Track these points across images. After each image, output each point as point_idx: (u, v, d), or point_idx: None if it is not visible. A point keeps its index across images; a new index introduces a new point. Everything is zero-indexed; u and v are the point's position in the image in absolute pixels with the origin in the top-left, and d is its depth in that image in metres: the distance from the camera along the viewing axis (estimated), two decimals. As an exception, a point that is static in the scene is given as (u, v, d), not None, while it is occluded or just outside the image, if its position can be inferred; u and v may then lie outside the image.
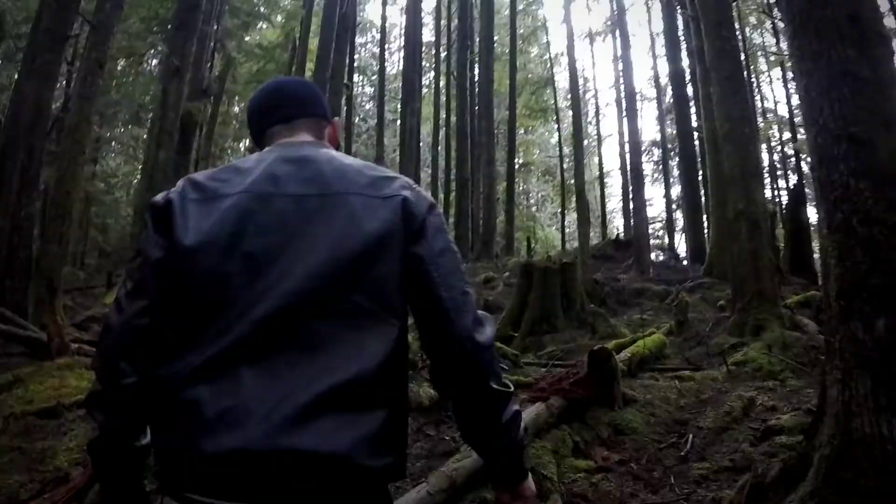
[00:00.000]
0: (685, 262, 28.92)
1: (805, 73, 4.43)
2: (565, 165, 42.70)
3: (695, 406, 7.76)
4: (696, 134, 29.25)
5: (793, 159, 34.49)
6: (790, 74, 33.14)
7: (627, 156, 33.99)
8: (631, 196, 30.80)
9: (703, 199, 28.88)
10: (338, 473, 1.69)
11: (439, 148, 41.34)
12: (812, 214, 21.00)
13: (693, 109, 29.98)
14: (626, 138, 35.66)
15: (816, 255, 21.76)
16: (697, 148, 29.00)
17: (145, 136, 33.00)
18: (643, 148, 35.56)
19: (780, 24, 31.99)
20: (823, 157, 4.24)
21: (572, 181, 41.78)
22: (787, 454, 5.67)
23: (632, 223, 30.26)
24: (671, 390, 8.29)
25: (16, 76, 20.62)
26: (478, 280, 23.28)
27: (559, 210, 46.24)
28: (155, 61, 32.81)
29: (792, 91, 33.16)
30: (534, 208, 57.12)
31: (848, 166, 4.07)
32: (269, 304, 1.80)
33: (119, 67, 32.13)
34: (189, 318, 1.83)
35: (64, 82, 23.94)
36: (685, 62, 30.73)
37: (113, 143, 36.87)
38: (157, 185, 20.41)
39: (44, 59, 14.60)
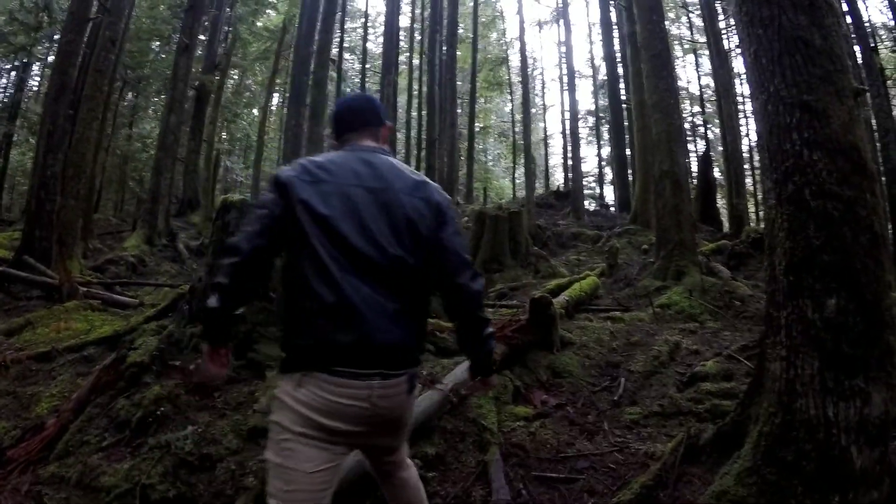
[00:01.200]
0: (613, 210, 28.68)
1: (755, 39, 3.46)
2: (516, 129, 42.96)
3: (626, 349, 7.04)
4: (623, 105, 29.25)
5: (701, 128, 34.95)
6: (701, 60, 34.85)
7: (567, 122, 34.57)
8: (570, 155, 30.66)
9: (628, 159, 28.60)
10: (404, 352, 2.48)
11: (412, 113, 41.42)
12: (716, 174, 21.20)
13: (622, 85, 30.05)
14: (567, 108, 36.30)
15: (720, 207, 21.76)
16: (625, 116, 28.93)
17: None
18: (580, 116, 36.01)
19: (695, 20, 32.87)
20: (774, 125, 3.31)
21: (521, 142, 42.08)
22: (715, 403, 5.12)
23: (570, 177, 30.43)
24: (604, 332, 7.53)
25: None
26: None
27: (511, 165, 46.73)
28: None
29: (702, 72, 34.88)
30: (490, 163, 57.56)
31: (801, 136, 3.15)
32: (363, 253, 2.43)
33: (154, 46, 31.48)
34: (310, 257, 2.40)
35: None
36: (616, 46, 31.17)
37: (150, 109, 36.10)
38: (169, 144, 19.65)
39: (67, 39, 14.30)
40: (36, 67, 34.06)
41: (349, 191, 2.47)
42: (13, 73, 37.63)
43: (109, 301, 9.64)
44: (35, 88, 35.08)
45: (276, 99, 54.02)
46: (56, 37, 24.65)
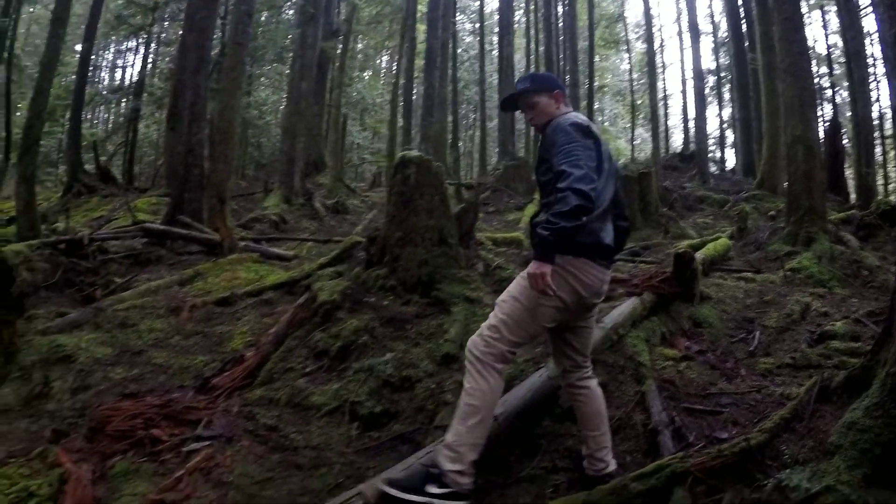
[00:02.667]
0: (736, 175, 28.24)
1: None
2: (634, 87, 42.99)
3: (759, 306, 7.60)
4: (749, 66, 27.94)
5: (828, 91, 32.95)
6: (828, 17, 33.17)
7: (689, 81, 33.39)
8: (693, 115, 30.13)
9: (753, 121, 27.67)
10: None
11: (531, 68, 40.34)
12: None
13: (747, 44, 28.64)
14: (688, 65, 35.97)
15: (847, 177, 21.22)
16: (750, 77, 27.59)
17: (287, 72, 34.26)
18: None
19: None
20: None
21: (640, 101, 41.56)
22: (843, 360, 5.60)
23: (691, 138, 29.84)
24: (738, 290, 8.13)
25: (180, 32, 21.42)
26: None
27: (628, 126, 46.64)
28: (291, 11, 33.06)
29: (830, 31, 33.29)
30: (607, 123, 56.87)
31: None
32: (612, 191, 3.80)
33: (262, 18, 32.68)
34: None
35: (220, 33, 24.20)
36: (739, 2, 29.96)
37: (262, 78, 37.57)
38: (302, 109, 20.69)
39: (201, 15, 15.77)
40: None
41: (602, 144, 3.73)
42: (135, 53, 40.11)
43: (266, 254, 10.72)
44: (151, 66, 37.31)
45: (384, 61, 55.16)
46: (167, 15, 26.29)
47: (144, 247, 11.62)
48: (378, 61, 55.98)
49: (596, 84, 44.97)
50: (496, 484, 3.99)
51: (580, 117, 3.79)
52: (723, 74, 37.98)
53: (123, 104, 39.90)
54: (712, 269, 9.39)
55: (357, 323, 5.69)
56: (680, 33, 38.31)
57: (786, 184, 13.66)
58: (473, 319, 5.74)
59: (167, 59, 38.65)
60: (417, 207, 6.34)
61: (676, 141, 46.24)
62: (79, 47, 26.17)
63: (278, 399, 5.28)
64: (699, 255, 9.11)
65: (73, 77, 28.46)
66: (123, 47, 46.79)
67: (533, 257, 3.46)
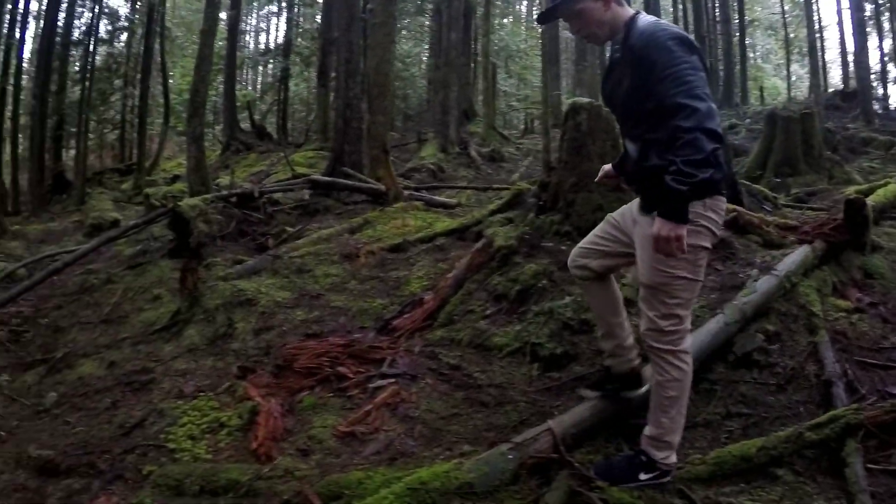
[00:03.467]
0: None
1: None
2: (787, 20, 40.26)
3: None
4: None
5: None
6: None
7: (847, 11, 31.37)
8: (852, 50, 28.35)
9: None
10: None
11: (679, 6, 39.64)
12: None
13: None
14: None
15: None
16: None
17: (427, 23, 34.51)
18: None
19: None
20: None
21: (793, 35, 39.58)
22: None
23: (851, 75, 28.34)
24: (912, 239, 7.76)
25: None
26: (724, 126, 22.66)
27: (782, 62, 44.37)
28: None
29: None
30: (759, 60, 54.94)
31: None
32: None
33: None
34: None
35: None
36: None
37: (403, 31, 38.19)
38: (452, 60, 20.94)
39: None
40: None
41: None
42: (277, 17, 41.48)
43: (430, 202, 11.08)
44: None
45: (523, 7, 54.64)
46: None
47: (311, 198, 12.24)
48: (518, 7, 55.61)
49: (746, 18, 43.21)
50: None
51: (673, 27, 3.27)
52: (881, 1, 35.33)
53: (270, 65, 41.44)
54: (882, 217, 9.02)
55: (535, 267, 5.92)
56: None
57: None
58: None
59: (309, 20, 39.68)
60: (590, 153, 6.46)
61: (834, 77, 44.00)
62: (224, 15, 27.31)
63: (459, 340, 5.57)
64: (868, 201, 8.81)
65: (223, 43, 29.69)
66: (265, 12, 48.64)
67: (660, 214, 3.03)
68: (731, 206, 7.08)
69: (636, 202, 3.57)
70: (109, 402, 5.52)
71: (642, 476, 3.43)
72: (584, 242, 3.90)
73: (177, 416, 4.96)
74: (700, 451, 3.79)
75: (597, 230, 3.89)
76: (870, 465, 3.49)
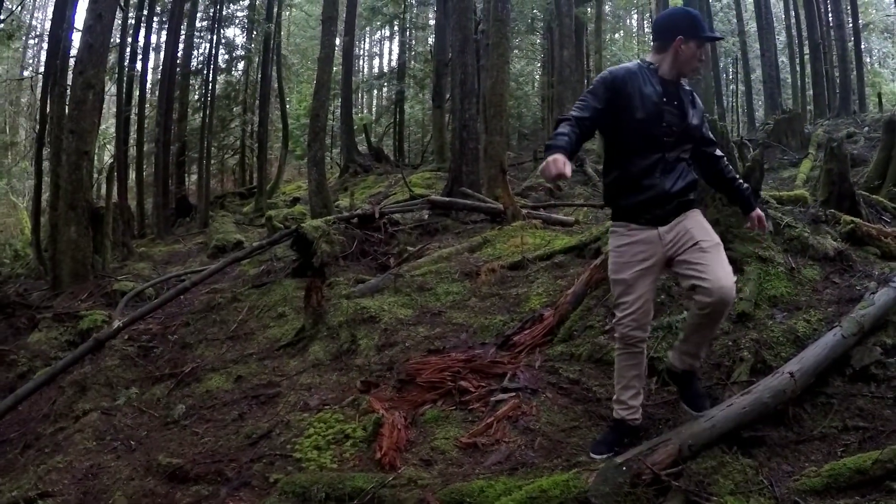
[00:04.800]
0: None
1: None
2: None
3: None
4: None
5: None
6: None
7: None
8: None
9: None
10: None
11: (791, 13, 38.21)
12: None
13: None
14: None
15: None
16: None
17: (539, 41, 34.61)
18: None
19: None
20: None
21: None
22: None
23: None
24: None
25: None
26: (840, 135, 21.76)
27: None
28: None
29: None
30: (876, 65, 52.44)
31: None
32: None
33: None
34: None
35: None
36: None
37: (515, 50, 38.45)
38: (564, 80, 20.89)
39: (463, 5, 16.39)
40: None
41: None
42: (390, 41, 42.50)
43: (548, 220, 11.10)
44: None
45: (634, 21, 54.05)
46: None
47: (430, 218, 12.47)
48: (629, 21, 55.09)
49: (861, 21, 41.53)
50: (790, 440, 4.06)
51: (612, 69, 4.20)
52: None
53: (385, 89, 42.31)
54: None
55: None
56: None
57: None
58: (766, 278, 5.78)
59: (422, 42, 40.37)
60: None
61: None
62: (338, 41, 28.14)
63: (579, 355, 5.63)
64: None
65: (339, 68, 30.50)
66: (378, 37, 49.78)
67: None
68: (849, 218, 6.91)
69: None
70: (236, 414, 5.83)
71: None
72: (639, 310, 4.07)
73: (303, 427, 5.20)
74: (816, 465, 3.74)
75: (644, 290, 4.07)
76: None
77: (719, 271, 3.79)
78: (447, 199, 13.17)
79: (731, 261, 6.11)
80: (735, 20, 38.69)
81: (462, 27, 16.49)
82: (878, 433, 3.99)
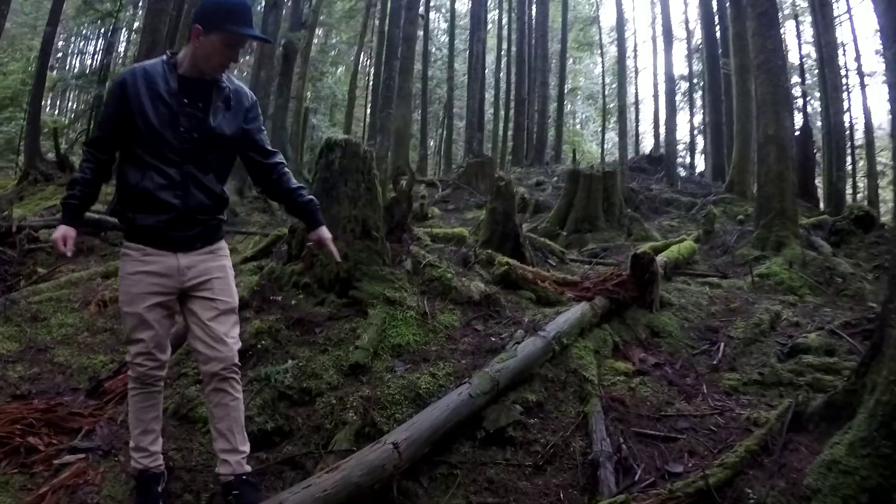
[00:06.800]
0: (705, 179, 27.74)
1: None
2: (606, 91, 42.20)
3: (725, 314, 6.91)
4: (721, 70, 27.65)
5: (799, 100, 32.40)
6: (802, 27, 33.09)
7: (661, 85, 33.39)
8: (664, 119, 30.06)
9: (724, 125, 27.24)
10: None
11: (501, 73, 40.60)
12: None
13: (720, 50, 28.35)
14: (661, 69, 36.23)
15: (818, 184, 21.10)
16: (722, 81, 27.40)
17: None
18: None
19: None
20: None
21: (612, 105, 41.26)
22: (817, 377, 4.95)
23: (661, 142, 29.70)
24: (702, 296, 7.42)
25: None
26: (530, 183, 23.44)
27: (600, 129, 45.60)
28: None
29: (804, 40, 33.08)
30: (578, 126, 57.24)
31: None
32: None
33: None
34: None
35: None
36: (714, 5, 29.48)
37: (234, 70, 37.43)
38: (261, 102, 19.94)
39: None
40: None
41: None
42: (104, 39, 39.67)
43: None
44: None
45: (361, 58, 54.42)
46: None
47: (78, 236, 10.73)
48: (352, 57, 55.26)
49: (568, 86, 44.66)
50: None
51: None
52: (695, 80, 37.64)
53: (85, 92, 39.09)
54: (676, 272, 8.71)
55: (260, 324, 4.90)
56: (654, 38, 38.54)
57: (755, 187, 13.10)
58: (392, 324, 4.98)
59: (135, 45, 37.72)
60: (340, 195, 5.43)
61: (647, 146, 46.37)
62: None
63: (166, 408, 4.42)
64: (661, 257, 8.44)
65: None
66: (95, 33, 46.03)
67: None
68: (504, 259, 6.35)
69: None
70: None
71: None
72: (156, 347, 3.45)
73: None
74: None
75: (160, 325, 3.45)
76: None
77: (227, 338, 3.35)
78: (97, 216, 11.44)
79: (356, 301, 5.32)
80: (447, 68, 39.65)
81: (154, 30, 15.05)
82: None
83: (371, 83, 28.72)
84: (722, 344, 5.87)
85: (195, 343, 3.35)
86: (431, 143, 45.05)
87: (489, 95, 40.22)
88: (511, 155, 33.71)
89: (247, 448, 3.46)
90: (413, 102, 28.50)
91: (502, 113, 38.23)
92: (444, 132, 38.84)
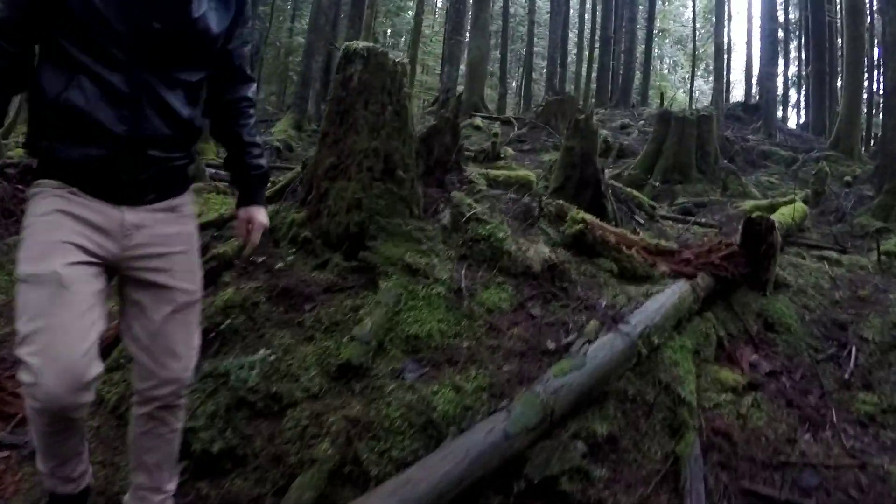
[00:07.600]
0: (805, 133, 25.64)
1: None
2: (697, 36, 40.27)
3: (852, 304, 5.25)
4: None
5: None
6: None
7: (755, 30, 31.24)
8: (760, 64, 27.94)
9: (827, 76, 25.12)
10: None
11: (587, 6, 38.95)
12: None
13: None
14: (756, 13, 34.85)
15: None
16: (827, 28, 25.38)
17: None
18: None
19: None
20: None
21: (701, 51, 39.25)
22: None
23: (754, 92, 27.53)
24: (822, 275, 5.80)
25: None
26: (614, 125, 21.87)
27: (688, 76, 43.86)
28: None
29: None
30: (666, 71, 55.20)
31: None
32: None
33: None
34: None
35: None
36: None
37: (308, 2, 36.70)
38: (320, 27, 18.71)
39: None
40: None
41: None
42: None
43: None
44: None
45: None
46: None
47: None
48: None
49: (657, 27, 42.35)
50: None
51: None
52: (790, 29, 34.96)
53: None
54: (786, 242, 7.10)
55: (232, 295, 3.55)
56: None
57: (871, 144, 11.39)
58: (410, 303, 3.53)
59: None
60: (358, 121, 4.02)
61: (737, 96, 44.04)
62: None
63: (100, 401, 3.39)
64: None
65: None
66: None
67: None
68: (580, 215, 4.89)
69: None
70: None
71: None
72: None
73: None
74: None
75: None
76: None
77: (183, 351, 2.23)
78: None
79: (367, 267, 3.92)
80: (528, 2, 37.93)
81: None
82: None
83: (447, 12, 27.34)
84: (853, 348, 4.37)
85: (134, 349, 2.21)
86: (513, 84, 43.31)
87: (572, 35, 38.26)
88: (594, 96, 31.87)
89: (173, 485, 2.42)
90: (493, 39, 27.13)
91: (586, 53, 35.85)
92: (524, 70, 36.99)
